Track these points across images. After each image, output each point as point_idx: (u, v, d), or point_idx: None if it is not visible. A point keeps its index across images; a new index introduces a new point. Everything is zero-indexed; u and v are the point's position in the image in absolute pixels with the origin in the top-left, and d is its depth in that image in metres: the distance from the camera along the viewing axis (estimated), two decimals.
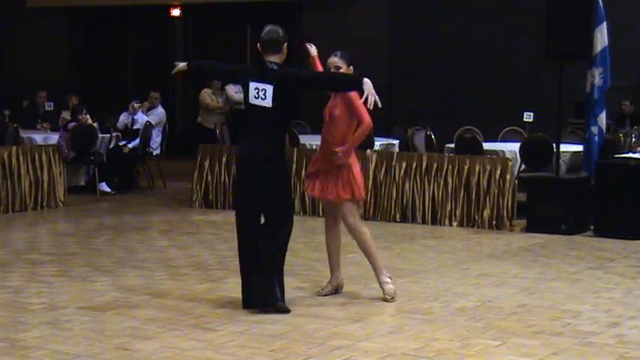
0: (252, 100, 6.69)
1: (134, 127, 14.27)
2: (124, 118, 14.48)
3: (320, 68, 7.40)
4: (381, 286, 7.19)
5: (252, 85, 6.68)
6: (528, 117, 13.23)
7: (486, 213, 10.95)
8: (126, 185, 14.19)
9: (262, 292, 6.68)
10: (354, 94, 6.94)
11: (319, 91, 7.27)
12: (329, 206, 7.29)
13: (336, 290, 7.34)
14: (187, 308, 6.87)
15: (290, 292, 7.35)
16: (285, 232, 6.81)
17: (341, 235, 7.33)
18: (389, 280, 7.20)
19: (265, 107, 6.64)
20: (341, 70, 7.05)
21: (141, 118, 14.40)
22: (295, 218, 11.52)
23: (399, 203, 11.36)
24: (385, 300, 7.11)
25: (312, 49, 7.51)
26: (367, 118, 7.01)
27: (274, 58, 6.74)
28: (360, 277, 7.92)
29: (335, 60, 7.09)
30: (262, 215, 6.85)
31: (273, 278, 6.70)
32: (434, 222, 11.19)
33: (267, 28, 6.79)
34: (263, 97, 6.65)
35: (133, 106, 14.40)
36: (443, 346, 5.94)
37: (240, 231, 6.83)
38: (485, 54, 16.93)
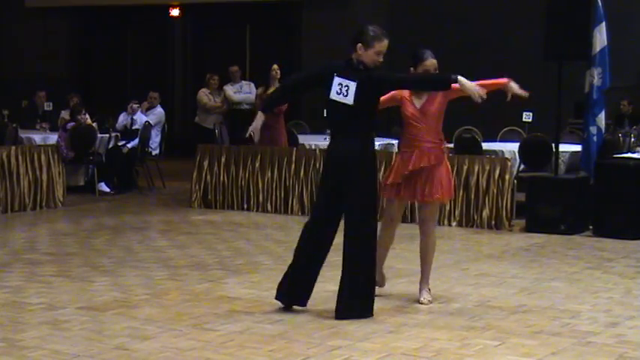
0: (334, 96, 6.55)
1: (133, 128, 14.27)
2: (122, 120, 14.48)
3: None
4: (420, 292, 7.16)
5: (336, 81, 6.55)
6: (527, 117, 13.22)
7: (485, 213, 10.95)
8: (125, 185, 14.19)
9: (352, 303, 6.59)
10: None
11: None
12: (398, 208, 7.20)
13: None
14: (186, 308, 6.87)
15: None
16: (369, 234, 6.66)
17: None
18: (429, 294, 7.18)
19: (346, 104, 6.53)
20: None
21: (140, 119, 14.40)
22: (295, 218, 11.68)
23: None
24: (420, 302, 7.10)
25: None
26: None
27: (354, 54, 6.59)
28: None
29: (434, 61, 7.03)
30: (344, 217, 6.70)
31: (355, 288, 6.60)
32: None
33: (366, 26, 6.63)
34: (345, 93, 6.53)
35: (131, 106, 14.40)
36: (442, 346, 5.94)
37: (312, 227, 6.75)
38: (484, 54, 16.94)
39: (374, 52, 6.57)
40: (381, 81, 6.65)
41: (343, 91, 6.53)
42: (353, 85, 6.52)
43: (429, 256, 7.21)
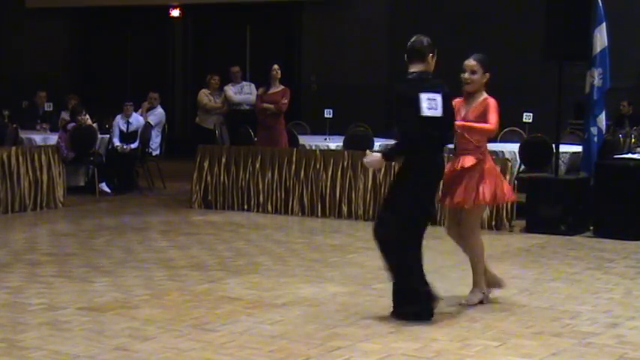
0: (426, 112, 6.46)
1: (130, 130, 14.19)
2: (119, 125, 14.23)
3: None
4: (471, 293, 7.16)
5: (424, 96, 6.48)
6: (528, 117, 13.23)
7: (485, 213, 10.93)
8: (125, 186, 14.18)
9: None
10: (493, 102, 6.97)
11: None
12: (454, 213, 7.20)
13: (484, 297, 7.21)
14: (187, 309, 6.87)
15: (289, 293, 7.37)
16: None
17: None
18: (481, 295, 7.16)
19: (437, 117, 6.51)
20: (475, 76, 7.01)
21: (136, 120, 14.34)
22: (295, 219, 11.69)
23: None
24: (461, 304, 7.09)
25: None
26: (495, 124, 6.95)
27: (419, 67, 6.62)
28: (360, 277, 7.92)
29: (470, 62, 7.03)
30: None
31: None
32: (433, 222, 11.16)
33: (413, 38, 6.68)
34: (435, 107, 6.49)
35: (127, 107, 14.28)
36: (442, 347, 5.94)
37: (418, 237, 6.69)
38: (484, 54, 16.92)
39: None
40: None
41: (433, 104, 6.50)
42: (439, 97, 6.55)
43: (471, 261, 7.20)
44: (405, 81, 6.64)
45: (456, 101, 7.02)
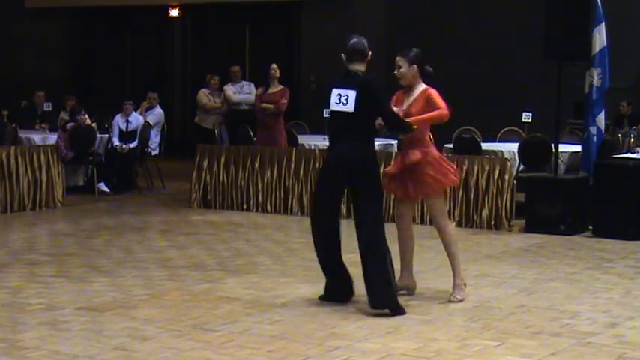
0: (334, 106, 6.86)
1: (129, 130, 14.19)
2: (119, 124, 14.23)
3: None
4: (454, 287, 7.25)
5: (335, 91, 6.86)
6: (527, 117, 13.22)
7: (485, 213, 10.95)
8: (124, 186, 14.18)
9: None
10: (434, 91, 7.18)
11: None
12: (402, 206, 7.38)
13: (407, 291, 7.37)
14: (186, 308, 6.87)
15: (289, 293, 7.37)
16: (378, 229, 6.86)
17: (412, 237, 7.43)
18: (463, 286, 7.29)
19: (347, 112, 6.80)
20: (403, 70, 7.19)
21: (135, 120, 14.34)
22: (294, 219, 11.69)
23: None
24: (450, 300, 7.17)
25: None
26: (445, 107, 7.14)
27: (361, 66, 6.95)
28: (359, 277, 7.91)
29: (396, 59, 7.25)
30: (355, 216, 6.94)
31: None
32: (432, 222, 11.16)
33: (353, 39, 6.98)
34: (345, 102, 6.81)
35: (126, 107, 14.28)
36: (441, 347, 5.94)
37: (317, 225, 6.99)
38: (484, 54, 16.94)
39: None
40: (373, 96, 6.90)
41: (342, 100, 6.83)
42: (352, 93, 6.82)
43: (448, 250, 7.34)
44: (372, 76, 6.99)
45: (397, 93, 7.33)
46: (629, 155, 11.22)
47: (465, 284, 7.33)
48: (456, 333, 6.27)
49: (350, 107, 6.79)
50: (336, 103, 6.83)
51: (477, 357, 5.77)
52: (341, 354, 5.75)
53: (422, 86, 7.26)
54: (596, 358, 5.78)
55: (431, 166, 7.17)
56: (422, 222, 11.17)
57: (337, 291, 7.07)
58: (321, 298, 7.08)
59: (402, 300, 7.06)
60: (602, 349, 5.97)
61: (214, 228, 10.92)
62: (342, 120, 6.86)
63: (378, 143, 12.96)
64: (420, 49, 7.39)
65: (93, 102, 17.73)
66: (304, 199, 11.86)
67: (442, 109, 7.12)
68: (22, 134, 14.21)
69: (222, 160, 12.46)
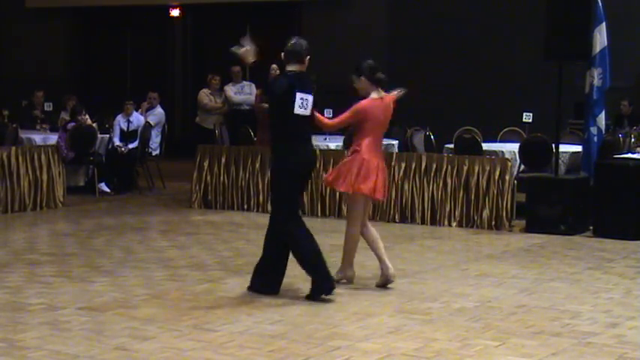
0: (297, 111, 7.14)
1: (130, 129, 14.19)
2: (120, 124, 14.24)
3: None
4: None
5: (299, 96, 7.13)
6: (527, 117, 13.22)
7: (485, 213, 10.95)
8: (125, 186, 14.18)
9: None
10: (356, 105, 7.59)
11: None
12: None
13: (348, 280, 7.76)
14: (187, 308, 6.87)
15: (289, 293, 7.36)
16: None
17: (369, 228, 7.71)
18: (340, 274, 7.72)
19: (306, 116, 7.21)
20: (354, 85, 7.62)
21: (136, 120, 14.34)
22: None
23: (398, 204, 11.36)
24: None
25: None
26: (329, 122, 7.73)
27: (295, 67, 7.23)
28: (359, 277, 7.92)
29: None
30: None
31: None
32: (433, 222, 11.19)
33: (292, 40, 7.30)
34: (305, 106, 7.17)
35: (127, 107, 14.27)
36: (442, 347, 5.94)
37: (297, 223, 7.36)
38: (484, 54, 16.93)
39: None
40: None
41: (304, 104, 7.17)
42: (311, 98, 7.22)
43: (344, 245, 7.70)
44: (285, 77, 7.24)
45: None
46: (629, 155, 11.21)
47: (346, 281, 7.69)
48: (457, 333, 6.27)
49: (308, 111, 7.18)
50: (299, 107, 7.12)
51: (477, 357, 5.77)
52: (341, 354, 5.75)
53: (370, 96, 7.61)
54: (596, 359, 5.78)
55: (354, 163, 7.47)
56: (422, 222, 11.16)
57: (275, 285, 7.35)
58: (308, 297, 7.23)
59: (402, 300, 7.08)
60: (602, 349, 5.97)
61: (215, 228, 10.93)
62: (303, 123, 7.20)
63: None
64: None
65: (93, 102, 17.72)
66: (305, 200, 11.85)
67: (328, 121, 7.67)
68: (23, 134, 14.21)
69: (223, 160, 12.46)
